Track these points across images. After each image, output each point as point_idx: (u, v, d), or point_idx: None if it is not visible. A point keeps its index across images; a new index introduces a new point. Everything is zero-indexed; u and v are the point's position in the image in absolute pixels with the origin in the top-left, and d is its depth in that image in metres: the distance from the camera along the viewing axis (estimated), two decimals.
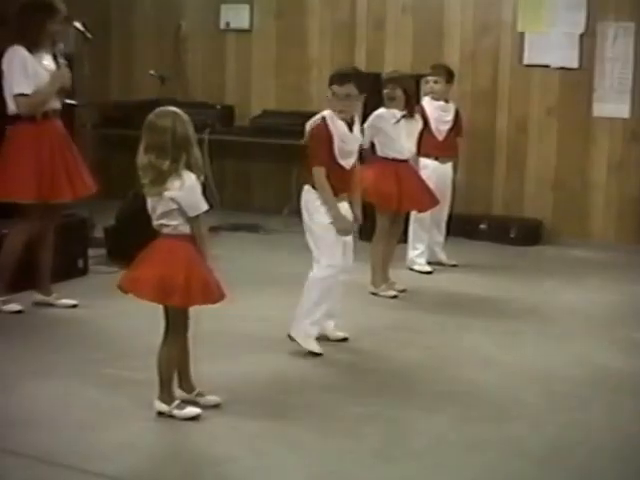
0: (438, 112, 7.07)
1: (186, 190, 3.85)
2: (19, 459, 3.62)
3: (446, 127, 7.12)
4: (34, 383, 4.41)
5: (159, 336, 4.37)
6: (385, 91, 6.16)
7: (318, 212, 4.94)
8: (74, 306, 5.67)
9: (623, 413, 4.33)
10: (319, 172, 4.90)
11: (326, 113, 4.98)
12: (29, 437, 3.81)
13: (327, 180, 4.90)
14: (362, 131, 5.45)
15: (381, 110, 6.19)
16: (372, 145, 6.27)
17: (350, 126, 5.00)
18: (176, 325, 4.00)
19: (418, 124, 6.39)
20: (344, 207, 5.01)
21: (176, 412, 4.00)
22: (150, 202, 3.96)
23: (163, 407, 4.01)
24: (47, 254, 5.66)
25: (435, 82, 7.04)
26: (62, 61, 5.45)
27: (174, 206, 3.87)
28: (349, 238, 5.09)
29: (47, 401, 4.22)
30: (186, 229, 3.92)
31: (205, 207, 3.91)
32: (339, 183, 4.97)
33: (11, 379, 4.46)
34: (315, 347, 4.94)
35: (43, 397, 4.26)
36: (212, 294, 3.98)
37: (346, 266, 5.10)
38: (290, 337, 4.98)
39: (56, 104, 5.48)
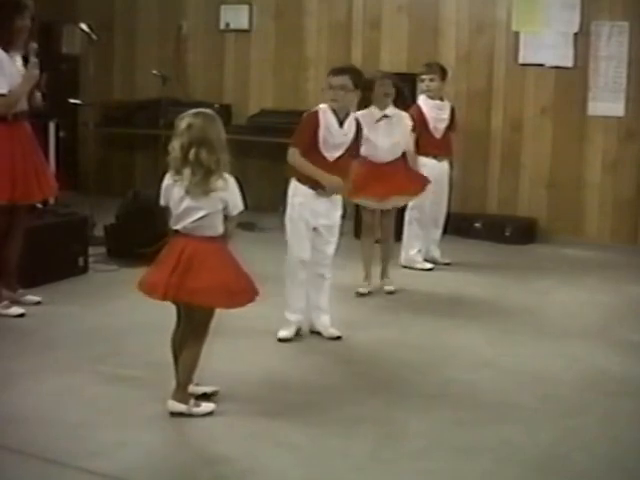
0: (435, 111, 7.12)
1: (231, 189, 3.95)
2: (16, 456, 3.64)
3: (443, 125, 7.15)
4: (32, 380, 4.45)
5: (158, 334, 4.42)
6: (381, 91, 6.13)
7: (291, 205, 5.19)
8: (38, 303, 5.66)
9: (621, 417, 4.29)
10: (293, 152, 5.10)
11: (321, 105, 5.14)
12: (26, 434, 3.83)
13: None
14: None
15: (361, 111, 6.08)
16: None
17: (342, 121, 5.12)
18: (204, 325, 4.03)
19: (400, 124, 6.32)
20: (321, 201, 5.16)
21: (195, 410, 4.02)
22: (191, 203, 3.92)
23: (180, 407, 4.01)
24: (13, 252, 5.61)
25: (431, 80, 7.08)
26: (34, 60, 5.42)
27: (221, 206, 3.94)
28: (330, 237, 5.25)
29: (44, 398, 4.24)
30: (221, 229, 3.99)
31: (243, 206, 4.00)
32: None
33: (9, 376, 4.49)
34: (282, 333, 5.16)
35: (41, 394, 4.29)
36: (256, 288, 4.08)
37: (322, 260, 5.26)
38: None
39: (24, 105, 5.46)
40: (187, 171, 3.89)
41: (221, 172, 3.91)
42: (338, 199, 5.26)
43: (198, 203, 3.92)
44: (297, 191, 5.20)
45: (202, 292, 3.88)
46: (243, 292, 4.00)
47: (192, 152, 3.86)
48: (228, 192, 3.94)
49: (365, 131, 5.75)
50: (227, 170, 3.97)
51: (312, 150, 5.10)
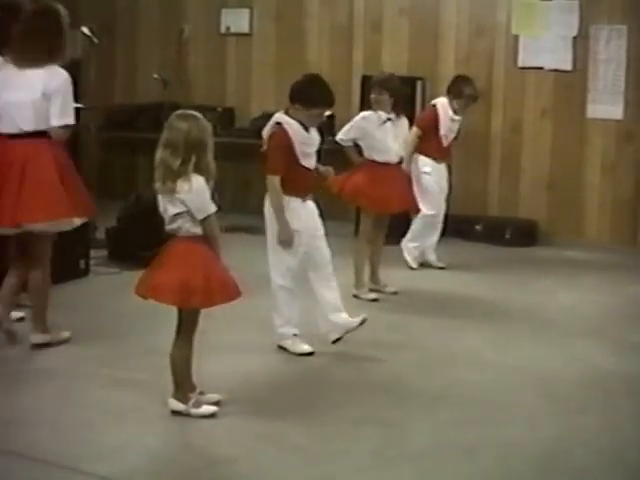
0: (450, 124, 7.15)
1: (194, 193, 3.92)
2: (18, 459, 3.65)
3: (452, 135, 7.23)
4: (33, 384, 4.47)
5: (158, 337, 4.44)
6: (372, 95, 6.17)
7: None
8: (21, 319, 5.35)
9: (620, 415, 4.32)
10: (274, 180, 4.88)
11: (282, 119, 4.93)
12: (27, 438, 3.85)
13: (294, 184, 4.90)
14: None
15: (366, 112, 6.22)
16: (356, 145, 6.29)
17: (307, 128, 4.97)
18: (189, 325, 4.06)
19: (404, 126, 6.42)
20: (309, 206, 5.03)
21: (193, 411, 4.05)
22: (161, 202, 4.01)
23: (179, 406, 4.06)
24: (35, 284, 5.22)
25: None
26: None
27: (184, 208, 3.94)
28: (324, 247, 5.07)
29: (46, 401, 4.27)
30: (199, 230, 3.99)
31: (213, 209, 3.97)
32: (305, 184, 5.00)
33: (10, 380, 4.51)
34: (304, 347, 5.01)
35: (42, 397, 4.31)
36: (230, 293, 4.06)
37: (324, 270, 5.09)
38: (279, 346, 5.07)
39: (30, 125, 5.02)
40: (156, 170, 3.97)
41: (188, 174, 3.91)
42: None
43: (166, 204, 3.99)
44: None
45: (154, 287, 3.97)
46: (200, 293, 3.94)
47: (159, 153, 3.94)
48: (191, 195, 3.91)
49: (371, 132, 6.00)
50: (207, 172, 3.95)
51: (295, 167, 4.92)
